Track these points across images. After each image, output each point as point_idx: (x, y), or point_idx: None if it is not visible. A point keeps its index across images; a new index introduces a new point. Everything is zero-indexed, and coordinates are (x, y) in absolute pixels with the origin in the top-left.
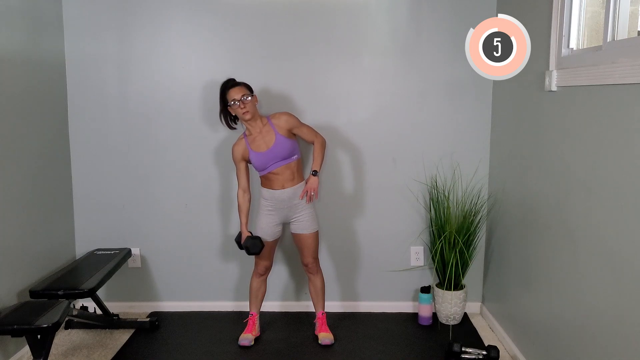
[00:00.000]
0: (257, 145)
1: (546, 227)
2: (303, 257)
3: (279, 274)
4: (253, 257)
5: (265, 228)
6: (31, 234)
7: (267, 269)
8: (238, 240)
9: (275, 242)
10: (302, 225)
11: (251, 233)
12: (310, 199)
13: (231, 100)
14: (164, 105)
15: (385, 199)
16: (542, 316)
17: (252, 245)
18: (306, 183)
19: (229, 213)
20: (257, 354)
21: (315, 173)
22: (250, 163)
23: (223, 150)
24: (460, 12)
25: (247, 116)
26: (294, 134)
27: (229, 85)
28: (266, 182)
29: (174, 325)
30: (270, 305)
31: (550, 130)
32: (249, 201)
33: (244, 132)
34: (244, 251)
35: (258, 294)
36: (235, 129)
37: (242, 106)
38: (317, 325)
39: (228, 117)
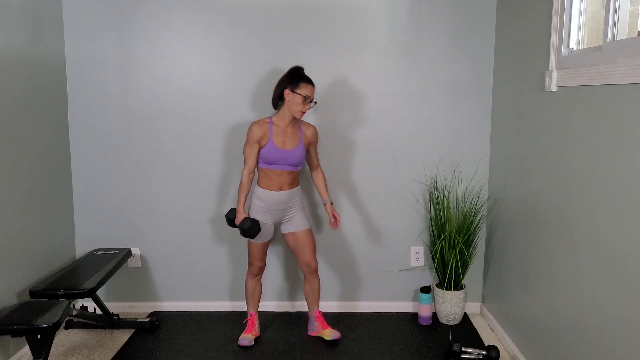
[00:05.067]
0: (279, 140)
1: (546, 226)
2: (303, 257)
3: (281, 273)
4: (246, 256)
5: (264, 229)
6: (31, 234)
7: (262, 270)
8: (231, 217)
9: (268, 242)
10: (296, 223)
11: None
12: (337, 223)
13: (305, 94)
14: (164, 105)
15: (385, 199)
16: (542, 316)
17: (250, 227)
18: (328, 209)
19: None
20: (256, 354)
21: (331, 202)
22: (261, 149)
23: (223, 149)
24: (460, 13)
25: (300, 116)
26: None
27: (307, 79)
28: (265, 181)
29: (174, 325)
30: (271, 305)
31: (550, 130)
32: (251, 182)
33: (271, 119)
34: (241, 244)
35: (255, 294)
36: (275, 110)
37: (307, 107)
38: (318, 324)
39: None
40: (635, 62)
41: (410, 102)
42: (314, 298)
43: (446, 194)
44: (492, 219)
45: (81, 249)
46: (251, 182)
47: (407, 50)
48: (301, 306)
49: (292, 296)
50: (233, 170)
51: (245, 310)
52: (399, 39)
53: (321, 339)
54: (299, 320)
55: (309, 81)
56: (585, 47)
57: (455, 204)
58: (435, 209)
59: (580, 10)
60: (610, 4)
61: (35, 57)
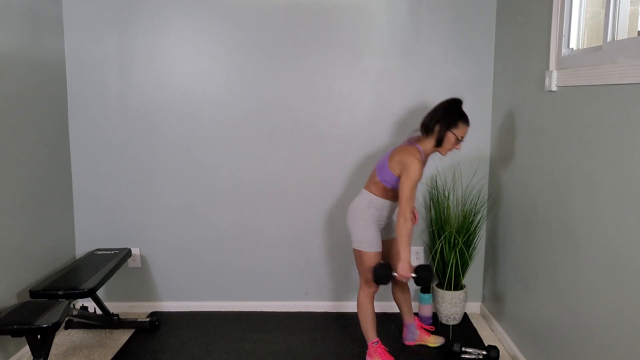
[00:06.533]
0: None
1: (546, 227)
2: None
3: (287, 272)
4: (246, 257)
5: (378, 239)
6: (31, 234)
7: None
8: (389, 271)
9: None
10: (391, 229)
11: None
12: None
13: (460, 135)
14: (164, 105)
15: None
16: (542, 316)
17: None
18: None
19: (229, 213)
20: (256, 354)
21: None
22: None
23: (223, 149)
24: (460, 13)
25: (446, 154)
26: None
27: (467, 119)
28: (383, 193)
29: (174, 325)
30: (271, 305)
31: (550, 130)
32: None
33: (421, 150)
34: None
35: (374, 317)
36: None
37: (458, 147)
38: (420, 332)
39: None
40: (635, 62)
41: (410, 102)
42: (409, 306)
43: (446, 194)
44: (492, 219)
45: (81, 249)
46: None
47: (407, 50)
48: (306, 306)
49: (300, 296)
50: (232, 170)
51: (246, 310)
52: (399, 39)
53: (322, 340)
54: (303, 320)
55: (468, 122)
56: (585, 47)
57: (455, 204)
58: (435, 209)
59: (580, 10)
60: (610, 4)
61: (35, 57)
